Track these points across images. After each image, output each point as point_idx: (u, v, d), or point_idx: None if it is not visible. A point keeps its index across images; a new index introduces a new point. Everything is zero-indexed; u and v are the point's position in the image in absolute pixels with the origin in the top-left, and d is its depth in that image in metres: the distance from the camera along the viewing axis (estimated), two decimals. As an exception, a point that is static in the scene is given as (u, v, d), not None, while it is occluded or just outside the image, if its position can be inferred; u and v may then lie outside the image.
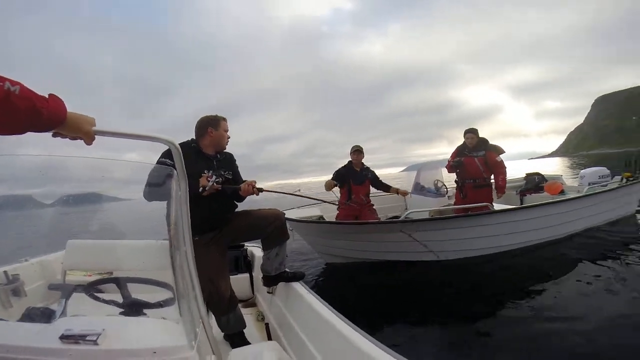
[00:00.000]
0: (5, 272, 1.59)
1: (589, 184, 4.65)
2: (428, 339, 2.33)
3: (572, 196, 4.37)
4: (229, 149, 1.91)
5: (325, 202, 2.88)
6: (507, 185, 4.35)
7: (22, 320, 1.04)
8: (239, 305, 2.32)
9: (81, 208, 1.42)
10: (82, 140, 0.74)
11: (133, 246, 1.80)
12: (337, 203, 3.54)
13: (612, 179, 4.89)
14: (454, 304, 2.87)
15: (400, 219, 3.56)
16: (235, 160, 1.95)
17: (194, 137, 1.79)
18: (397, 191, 4.22)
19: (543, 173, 5.50)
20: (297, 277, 1.91)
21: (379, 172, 4.34)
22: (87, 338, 0.73)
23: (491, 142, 4.14)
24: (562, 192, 4.79)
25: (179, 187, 0.96)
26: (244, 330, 1.83)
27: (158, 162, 1.46)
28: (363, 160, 4.09)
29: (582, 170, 5.16)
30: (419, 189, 4.58)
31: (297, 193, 2.26)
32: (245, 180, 1.82)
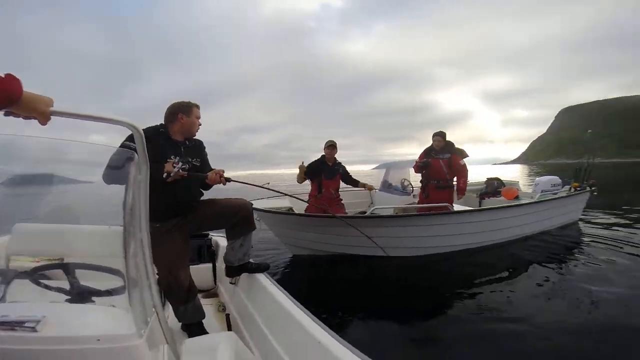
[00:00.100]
0: None
1: (542, 192, 5.01)
2: (385, 335, 2.39)
3: (525, 202, 4.73)
4: (201, 136, 1.87)
5: (293, 196, 2.89)
6: (469, 188, 4.61)
7: None
8: (200, 295, 2.28)
9: (33, 189, 1.33)
10: (37, 121, 0.71)
11: (87, 231, 1.71)
12: (305, 200, 3.58)
13: (562, 187, 5.29)
14: (412, 300, 3.00)
15: (366, 214, 3.67)
16: (204, 148, 1.90)
17: (163, 122, 1.73)
18: (364, 186, 4.33)
19: (502, 179, 5.86)
20: (261, 268, 1.90)
21: (351, 169, 4.43)
22: (25, 325, 0.70)
23: (460, 146, 4.38)
24: (517, 197, 5.14)
25: (139, 171, 0.93)
26: (204, 321, 1.81)
27: (122, 145, 1.39)
28: (336, 156, 4.16)
29: (537, 178, 5.56)
30: (386, 186, 4.73)
31: (266, 186, 2.24)
32: (213, 169, 1.79)
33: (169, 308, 1.75)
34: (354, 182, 4.28)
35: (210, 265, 2.45)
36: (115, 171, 1.22)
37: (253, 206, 1.96)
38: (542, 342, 2.21)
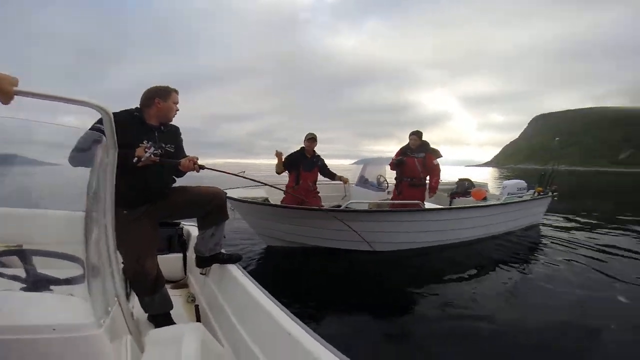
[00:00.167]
0: None
1: (508, 194, 5.29)
2: (355, 329, 2.44)
3: (492, 203, 4.99)
4: (178, 121, 1.80)
5: (269, 185, 2.87)
6: (441, 187, 4.79)
7: None
8: (169, 286, 2.22)
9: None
10: None
11: (49, 217, 1.63)
12: (282, 189, 3.58)
13: (527, 191, 5.60)
14: (384, 295, 3.08)
15: (340, 208, 3.73)
16: (180, 134, 1.84)
17: (139, 106, 1.66)
18: (340, 178, 4.38)
19: (473, 180, 6.11)
20: (232, 259, 1.87)
21: (332, 162, 4.47)
22: (-26, 314, 0.66)
23: (437, 147, 4.53)
24: (485, 198, 5.39)
25: (106, 154, 0.90)
26: (172, 312, 1.77)
27: (91, 128, 1.33)
28: (316, 149, 4.19)
29: (504, 182, 5.85)
30: (363, 181, 4.83)
31: (241, 174, 2.19)
32: (187, 156, 1.75)
33: (135, 298, 1.70)
34: (331, 175, 4.33)
35: (180, 255, 2.39)
36: (82, 154, 1.17)
37: (227, 195, 1.93)
38: (506, 339, 2.33)
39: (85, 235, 0.82)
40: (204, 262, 1.88)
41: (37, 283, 0.93)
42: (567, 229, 6.00)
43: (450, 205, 5.50)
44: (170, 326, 1.23)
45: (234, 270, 1.75)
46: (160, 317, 1.72)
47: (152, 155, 1.52)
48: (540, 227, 6.06)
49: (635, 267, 3.87)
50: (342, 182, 4.48)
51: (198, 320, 1.83)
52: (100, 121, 1.34)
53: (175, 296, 2.08)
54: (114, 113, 1.57)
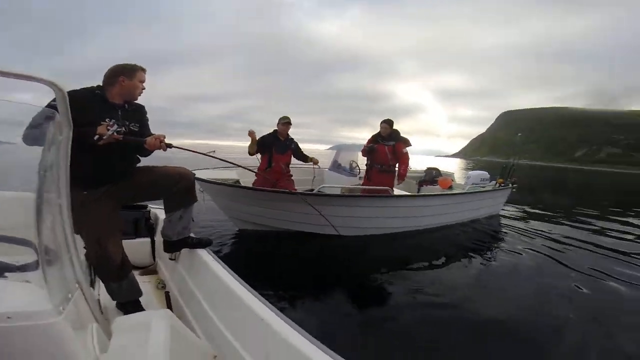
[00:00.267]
0: None
1: (472, 184, 5.59)
2: (326, 313, 2.49)
3: (456, 192, 5.25)
4: (144, 100, 1.71)
5: (240, 166, 2.80)
6: (410, 174, 4.97)
7: None
8: (138, 272, 2.15)
9: None
10: None
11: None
12: (254, 170, 3.53)
13: (490, 182, 5.94)
14: (355, 280, 3.16)
15: (313, 191, 3.76)
16: (146, 113, 1.74)
17: (101, 84, 1.56)
18: (311, 160, 4.39)
19: (440, 169, 6.37)
20: (202, 243, 1.84)
21: (307, 147, 4.46)
22: None
23: (409, 137, 4.64)
24: (451, 187, 5.66)
25: (59, 132, 0.84)
26: (142, 300, 1.71)
27: (48, 105, 1.24)
28: (291, 133, 4.16)
29: (469, 172, 6.16)
30: (336, 166, 4.90)
31: (211, 154, 2.12)
32: (153, 134, 1.67)
33: (102, 286, 1.64)
34: (304, 158, 4.32)
35: (148, 239, 2.30)
36: (35, 131, 1.09)
37: (196, 176, 1.87)
38: (471, 326, 2.41)
39: (36, 218, 0.77)
40: (172, 246, 1.83)
41: (-13, 270, 0.86)
42: (525, 220, 6.45)
43: (418, 192, 5.72)
44: (138, 313, 1.20)
45: (204, 255, 1.72)
46: (129, 304, 1.67)
47: (114, 133, 1.44)
48: (501, 216, 6.47)
49: (588, 258, 4.18)
50: (313, 165, 4.49)
51: (169, 307, 1.79)
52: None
53: (145, 283, 2.02)
54: (73, 90, 1.47)
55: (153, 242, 2.31)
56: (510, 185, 6.29)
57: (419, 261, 3.69)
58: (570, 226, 6.14)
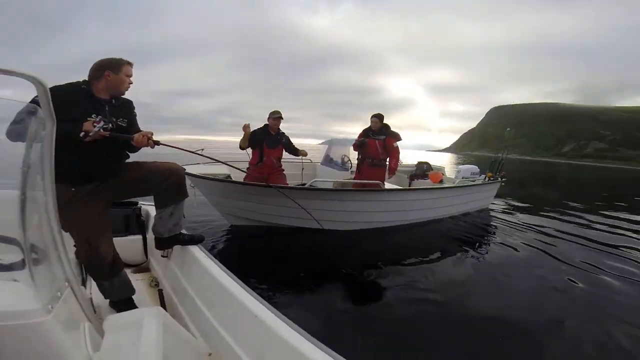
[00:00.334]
0: None
1: (462, 178, 5.66)
2: (319, 309, 2.46)
3: (447, 185, 5.32)
4: (131, 95, 1.68)
5: (228, 164, 2.78)
6: (401, 169, 5.01)
7: None
8: (130, 270, 2.14)
9: None
10: None
11: None
12: (241, 168, 3.51)
13: (480, 176, 6.03)
14: (347, 275, 3.15)
15: (305, 186, 3.76)
16: (134, 108, 1.72)
17: (87, 79, 1.53)
18: (301, 152, 4.36)
19: (431, 163, 6.44)
20: (194, 240, 1.82)
21: (299, 142, 4.44)
22: None
23: (400, 131, 4.67)
24: (441, 181, 5.73)
25: (42, 127, 0.82)
26: (135, 298, 1.70)
27: (32, 101, 1.21)
28: (284, 128, 4.16)
29: (459, 166, 6.24)
30: (328, 161, 4.92)
31: (200, 152, 2.10)
32: (141, 131, 1.64)
33: (94, 284, 1.62)
34: (295, 151, 4.31)
35: (140, 237, 2.27)
36: (18, 127, 1.07)
37: (186, 171, 1.85)
38: (465, 321, 2.40)
39: (20, 215, 0.76)
40: (163, 243, 1.81)
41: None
42: (515, 213, 6.56)
43: (409, 186, 5.76)
44: (129, 311, 1.19)
45: (197, 251, 1.71)
46: (122, 302, 1.66)
47: (101, 130, 1.41)
48: (491, 210, 6.58)
49: (579, 251, 4.23)
50: (302, 159, 4.48)
51: (162, 304, 1.78)
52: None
53: (138, 280, 2.01)
54: (58, 86, 1.43)
55: (145, 240, 2.28)
56: (499, 179, 6.39)
57: (411, 255, 3.73)
58: (559, 219, 6.25)
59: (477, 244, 4.36)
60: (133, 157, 1.73)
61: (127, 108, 1.67)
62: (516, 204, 7.73)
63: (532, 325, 2.38)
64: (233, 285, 1.30)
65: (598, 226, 5.93)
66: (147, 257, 2.29)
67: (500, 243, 4.38)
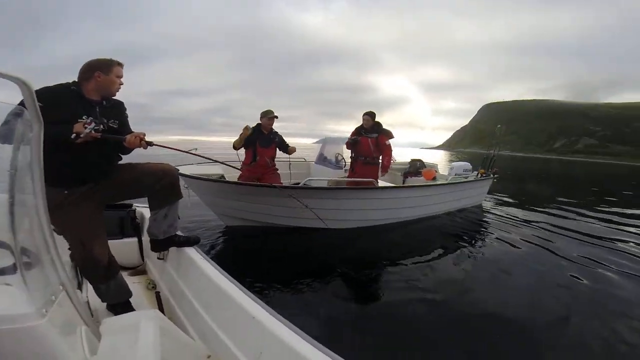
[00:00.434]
0: None
1: (455, 175, 5.71)
2: (314, 309, 2.45)
3: (440, 182, 5.38)
4: (122, 96, 1.66)
5: (223, 162, 2.77)
6: (395, 166, 5.03)
7: None
8: (127, 272, 2.12)
9: None
10: None
11: None
12: (237, 167, 3.49)
13: (472, 173, 6.08)
14: (344, 274, 3.12)
15: (299, 184, 3.77)
16: (125, 110, 1.70)
17: (76, 80, 1.51)
18: (290, 150, 4.34)
19: (424, 161, 6.48)
20: (190, 241, 1.82)
21: (293, 141, 4.44)
22: None
23: (393, 129, 4.70)
24: (434, 178, 5.77)
25: (29, 129, 0.81)
26: (132, 301, 1.69)
27: (20, 103, 1.20)
28: (278, 129, 4.15)
29: (452, 163, 6.29)
30: (322, 159, 4.93)
31: (193, 152, 2.08)
32: (133, 132, 1.62)
33: (91, 287, 1.60)
34: (285, 149, 4.30)
35: (135, 239, 2.25)
36: (4, 129, 1.06)
37: (179, 172, 1.84)
38: (467, 318, 2.39)
39: (10, 219, 0.75)
40: (159, 245, 1.80)
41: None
42: (509, 209, 6.64)
43: (403, 184, 5.79)
44: (126, 314, 1.18)
45: (193, 253, 1.70)
46: (119, 305, 1.64)
47: (92, 131, 1.40)
48: (484, 206, 6.65)
49: (575, 246, 4.26)
50: (290, 158, 4.50)
51: (160, 307, 1.77)
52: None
53: (135, 283, 1.99)
54: (47, 87, 1.41)
55: (140, 242, 2.26)
56: (492, 175, 6.46)
57: (406, 253, 3.75)
58: (553, 215, 6.33)
59: (472, 240, 4.39)
60: (126, 159, 1.71)
61: (118, 109, 1.65)
62: (509, 200, 7.82)
63: (530, 322, 2.38)
64: (230, 287, 1.30)
65: (591, 220, 6.03)
66: (143, 259, 2.28)
67: (496, 239, 4.42)
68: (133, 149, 1.61)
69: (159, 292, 1.89)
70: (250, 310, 1.13)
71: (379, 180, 4.47)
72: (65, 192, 1.44)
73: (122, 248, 2.13)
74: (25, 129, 0.82)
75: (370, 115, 4.56)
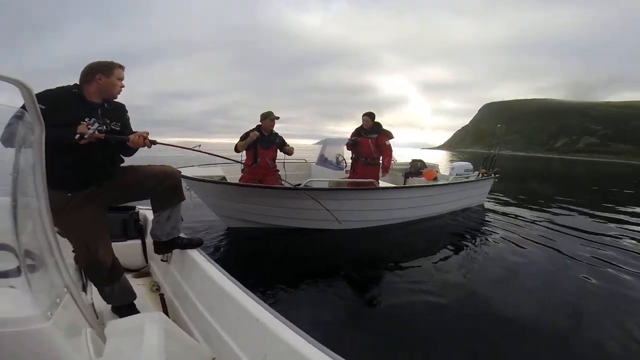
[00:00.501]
0: None
1: (456, 175, 5.70)
2: (320, 309, 2.44)
3: (441, 183, 5.37)
4: (123, 98, 1.65)
5: (226, 158, 2.78)
6: (396, 167, 5.03)
7: None
8: (131, 275, 2.12)
9: None
10: None
11: None
12: (241, 162, 3.50)
13: (473, 173, 6.06)
14: (347, 275, 3.11)
15: (300, 186, 3.77)
16: (127, 112, 1.70)
17: (77, 83, 1.51)
18: (287, 150, 4.33)
19: (425, 161, 6.46)
20: (193, 243, 1.82)
21: (294, 142, 4.45)
22: None
23: (393, 129, 4.70)
24: (435, 178, 5.75)
25: (31, 132, 0.81)
26: (137, 303, 1.69)
27: (23, 106, 1.20)
28: (279, 129, 4.15)
29: (453, 163, 6.27)
30: (322, 160, 4.93)
31: (197, 148, 2.08)
32: (135, 132, 1.63)
33: (95, 289, 1.60)
34: (283, 149, 4.28)
35: (139, 241, 2.25)
36: (7, 132, 1.07)
37: (182, 174, 1.84)
38: (476, 320, 2.37)
39: (13, 222, 0.74)
40: (162, 247, 1.80)
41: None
42: (511, 208, 6.62)
43: (404, 184, 5.78)
44: (130, 316, 1.18)
45: (196, 255, 1.71)
46: (124, 308, 1.64)
47: (96, 132, 1.40)
48: (486, 206, 6.63)
49: (582, 246, 4.21)
50: (287, 159, 4.49)
51: (164, 309, 1.77)
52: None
53: (139, 285, 1.99)
54: (49, 90, 1.41)
55: (144, 244, 2.26)
56: (493, 175, 6.44)
57: (408, 253, 3.74)
58: (556, 214, 6.30)
59: (476, 240, 4.37)
60: (128, 162, 1.71)
61: (120, 111, 1.66)
62: (511, 199, 7.80)
63: (539, 323, 2.35)
64: (234, 289, 1.30)
65: (594, 219, 6.00)
66: (147, 261, 2.28)
67: (500, 238, 4.40)
68: (137, 150, 1.62)
69: (163, 294, 1.89)
70: (254, 313, 1.13)
71: (379, 181, 4.46)
72: (69, 194, 1.44)
73: (126, 250, 2.13)
74: (27, 131, 0.82)
75: (369, 115, 4.55)
